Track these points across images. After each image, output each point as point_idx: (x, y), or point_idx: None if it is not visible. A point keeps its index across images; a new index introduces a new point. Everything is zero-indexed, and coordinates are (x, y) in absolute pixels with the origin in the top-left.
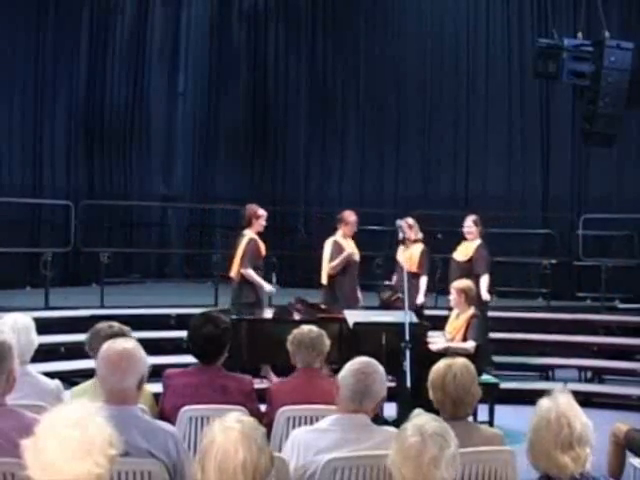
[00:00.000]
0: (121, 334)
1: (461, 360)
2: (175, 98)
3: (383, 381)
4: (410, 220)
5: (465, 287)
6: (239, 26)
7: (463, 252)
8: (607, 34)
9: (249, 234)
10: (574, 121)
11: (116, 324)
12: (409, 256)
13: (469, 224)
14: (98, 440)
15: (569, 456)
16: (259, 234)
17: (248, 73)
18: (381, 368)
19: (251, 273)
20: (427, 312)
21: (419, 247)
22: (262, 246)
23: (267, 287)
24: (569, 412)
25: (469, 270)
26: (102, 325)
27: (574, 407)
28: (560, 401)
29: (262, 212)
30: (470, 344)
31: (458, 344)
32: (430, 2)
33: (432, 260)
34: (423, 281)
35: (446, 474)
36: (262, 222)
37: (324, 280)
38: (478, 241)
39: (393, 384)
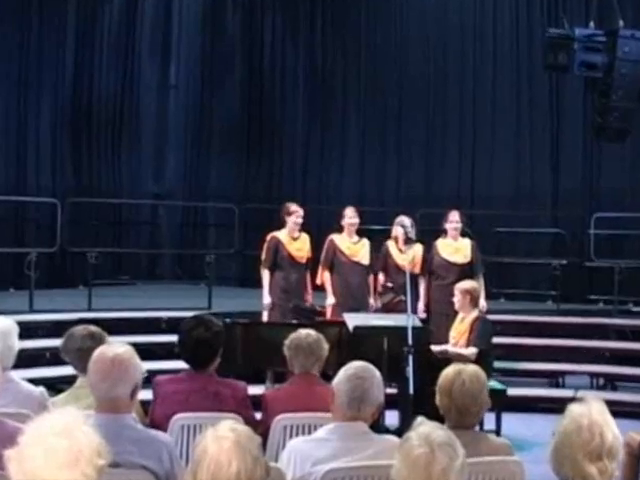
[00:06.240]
0: (97, 336)
1: (472, 367)
2: (167, 91)
3: (380, 386)
4: (408, 220)
5: (470, 288)
6: (233, 14)
7: (460, 253)
8: (621, 23)
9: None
10: (585, 115)
11: (92, 327)
12: (413, 256)
13: (458, 219)
14: (86, 449)
15: (596, 467)
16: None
17: (243, 64)
18: (378, 372)
19: (263, 275)
20: None
21: (420, 247)
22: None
23: (265, 300)
24: (602, 421)
25: (468, 272)
26: (78, 327)
27: (607, 417)
28: (594, 408)
29: (294, 208)
30: (471, 351)
31: (457, 350)
32: None
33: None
34: (423, 284)
35: None
36: (294, 219)
37: (318, 280)
38: (468, 240)
39: (395, 391)
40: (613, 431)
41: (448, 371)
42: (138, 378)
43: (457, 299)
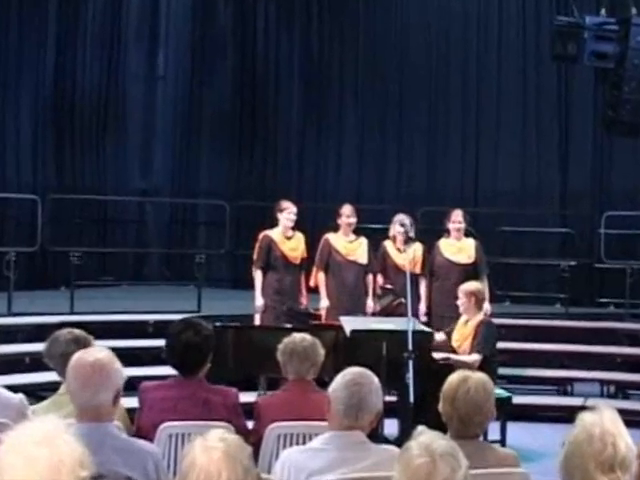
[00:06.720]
0: (83, 340)
1: (479, 375)
2: (154, 82)
3: (379, 393)
4: (408, 218)
5: (475, 289)
6: (225, 2)
7: (463, 253)
8: (634, 11)
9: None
10: (596, 108)
11: (77, 330)
12: (412, 256)
13: (460, 220)
14: (68, 460)
15: (609, 479)
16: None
17: (235, 53)
18: (376, 379)
19: (255, 276)
20: None
21: (420, 246)
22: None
23: (257, 302)
24: (614, 430)
25: (472, 273)
26: (62, 331)
27: (620, 426)
28: (606, 417)
29: (286, 205)
30: (473, 358)
31: (460, 357)
32: None
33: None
34: (424, 285)
35: None
36: (286, 215)
37: (311, 282)
38: (472, 240)
39: (394, 399)
40: (626, 441)
41: (453, 377)
42: (120, 383)
43: (462, 301)
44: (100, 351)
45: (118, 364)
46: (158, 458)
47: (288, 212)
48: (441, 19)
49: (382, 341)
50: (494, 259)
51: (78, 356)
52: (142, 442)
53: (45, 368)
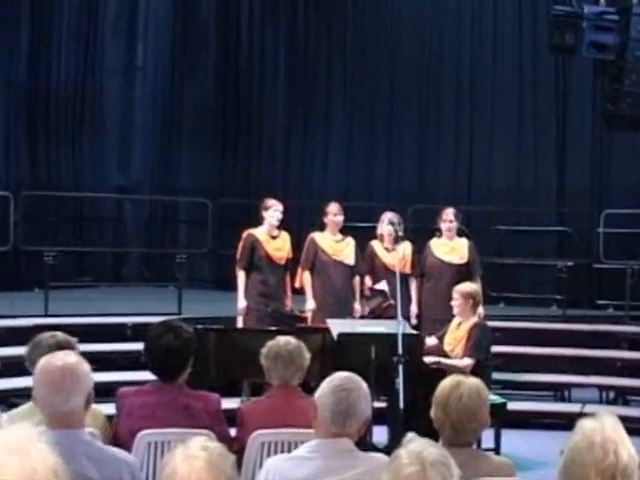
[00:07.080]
0: (66, 345)
1: (472, 380)
2: (133, 74)
3: (368, 399)
4: (396, 217)
5: (472, 291)
6: None
7: (455, 253)
8: (635, 0)
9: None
10: (595, 101)
11: (60, 334)
12: (402, 256)
13: (452, 218)
14: (41, 469)
15: None
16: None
17: (218, 46)
18: (364, 384)
19: (238, 276)
20: None
21: (409, 245)
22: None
23: (240, 304)
24: (616, 438)
25: (465, 273)
26: (44, 335)
27: (621, 433)
28: (607, 424)
29: (271, 202)
30: (466, 362)
31: (451, 361)
32: None
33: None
34: (414, 286)
35: None
36: (271, 214)
37: (297, 282)
38: (465, 240)
39: (384, 405)
40: (629, 449)
41: (445, 382)
42: (90, 386)
43: (457, 303)
44: (67, 354)
45: (87, 366)
46: (135, 467)
47: (274, 210)
48: (434, 12)
49: (371, 344)
50: (488, 259)
51: (45, 361)
52: (117, 450)
53: (18, 373)
